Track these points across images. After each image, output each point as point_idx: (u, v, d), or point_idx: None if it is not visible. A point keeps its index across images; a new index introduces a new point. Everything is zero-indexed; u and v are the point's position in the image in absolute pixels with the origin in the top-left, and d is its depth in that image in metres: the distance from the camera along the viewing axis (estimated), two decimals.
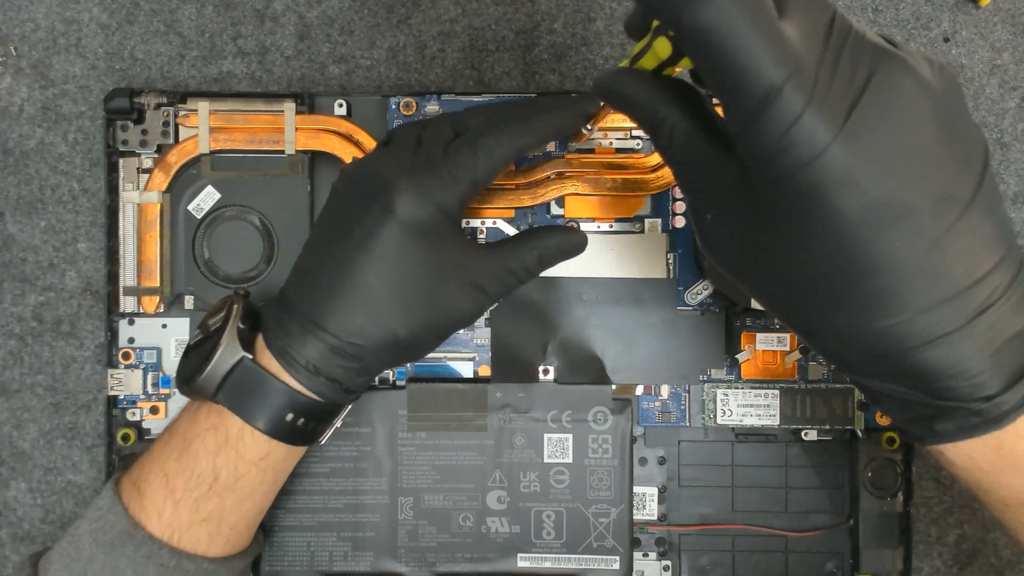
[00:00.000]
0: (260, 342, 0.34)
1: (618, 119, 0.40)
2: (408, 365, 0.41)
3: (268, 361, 0.33)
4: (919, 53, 0.25)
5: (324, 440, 0.36)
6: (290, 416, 0.33)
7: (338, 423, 0.36)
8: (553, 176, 0.41)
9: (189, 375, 0.33)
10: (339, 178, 0.35)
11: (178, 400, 0.41)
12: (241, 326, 0.34)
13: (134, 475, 0.34)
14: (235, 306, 0.34)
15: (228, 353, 0.33)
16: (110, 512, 0.33)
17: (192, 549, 0.33)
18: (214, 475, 0.33)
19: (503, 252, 0.35)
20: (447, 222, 0.33)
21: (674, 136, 0.27)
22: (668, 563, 0.42)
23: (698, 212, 0.28)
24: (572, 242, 0.36)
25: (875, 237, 0.24)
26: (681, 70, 0.28)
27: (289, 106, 0.41)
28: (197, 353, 0.34)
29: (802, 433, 0.41)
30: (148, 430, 0.41)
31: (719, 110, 0.26)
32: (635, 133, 0.41)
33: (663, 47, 0.28)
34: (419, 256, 0.33)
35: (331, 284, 0.33)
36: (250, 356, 0.33)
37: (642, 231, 0.41)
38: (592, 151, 0.41)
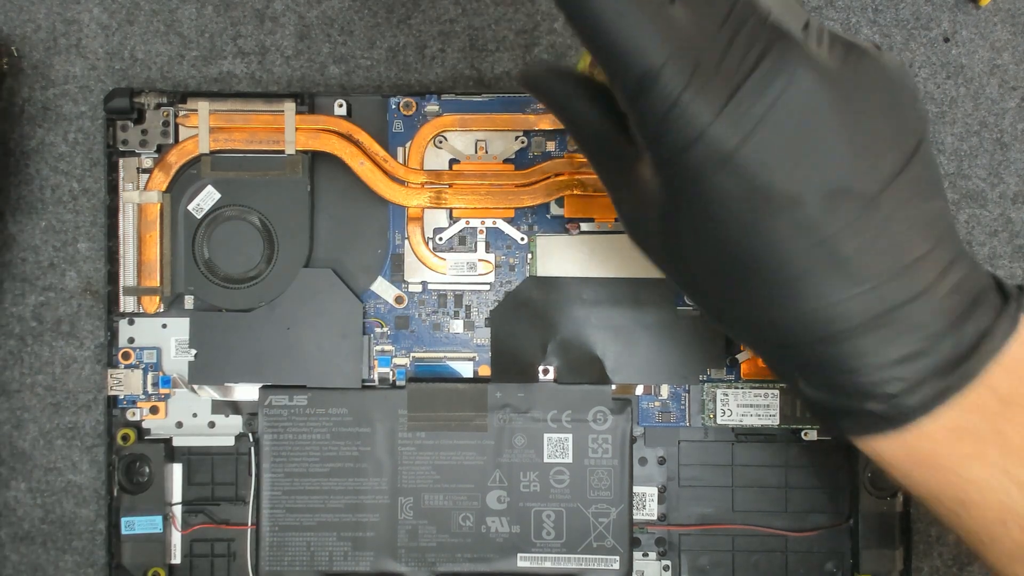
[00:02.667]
0: None
1: None
2: (408, 365, 0.41)
3: None
4: (844, 41, 0.23)
5: None
6: None
7: None
8: (553, 176, 0.41)
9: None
10: None
11: (178, 400, 0.41)
12: None
13: None
14: None
15: None
16: None
17: None
18: None
19: None
20: None
21: (585, 128, 0.28)
22: (668, 563, 0.42)
23: (618, 205, 0.28)
24: None
25: (759, 226, 0.23)
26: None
27: (289, 106, 0.41)
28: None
29: (802, 433, 0.41)
30: (148, 430, 0.41)
31: None
32: None
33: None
34: None
35: None
36: None
37: None
38: None
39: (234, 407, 0.41)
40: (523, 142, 0.41)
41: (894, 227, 0.23)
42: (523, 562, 0.40)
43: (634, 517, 0.41)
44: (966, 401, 0.24)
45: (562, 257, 0.41)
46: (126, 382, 0.41)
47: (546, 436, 0.40)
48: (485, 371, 0.41)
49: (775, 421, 0.41)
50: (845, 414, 0.26)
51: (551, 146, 0.41)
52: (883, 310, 0.23)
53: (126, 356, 0.41)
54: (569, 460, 0.40)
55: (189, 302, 0.41)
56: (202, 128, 0.41)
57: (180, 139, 0.41)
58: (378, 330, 0.42)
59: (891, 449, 0.26)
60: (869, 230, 0.23)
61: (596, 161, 0.28)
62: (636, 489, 0.41)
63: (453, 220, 0.42)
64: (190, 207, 0.41)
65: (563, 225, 0.41)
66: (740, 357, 0.41)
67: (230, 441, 0.41)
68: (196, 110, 0.41)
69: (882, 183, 0.23)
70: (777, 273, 0.23)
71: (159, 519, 0.41)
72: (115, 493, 0.41)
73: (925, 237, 0.24)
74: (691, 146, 0.23)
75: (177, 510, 0.41)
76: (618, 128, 0.27)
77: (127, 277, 0.41)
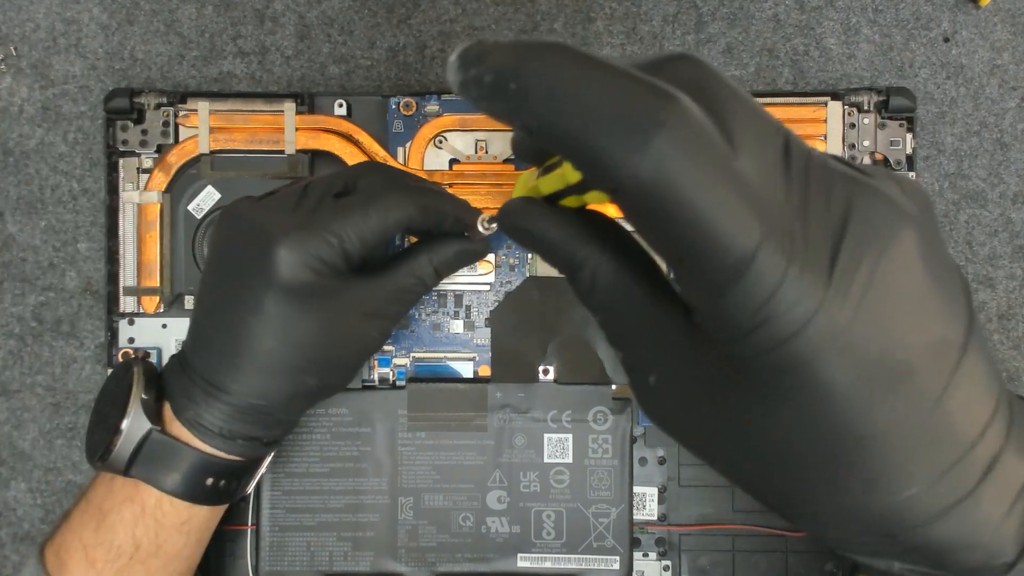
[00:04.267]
0: (168, 410, 0.34)
1: None
2: (408, 365, 0.41)
3: (179, 429, 0.33)
4: (886, 173, 0.21)
5: (250, 491, 0.36)
6: (210, 480, 0.33)
7: (262, 470, 0.37)
8: None
9: (98, 452, 0.33)
10: (220, 221, 0.34)
11: None
12: (144, 396, 0.33)
13: (56, 543, 0.34)
14: (135, 375, 0.34)
15: (135, 426, 0.33)
16: None
17: None
18: (134, 545, 0.33)
19: (397, 271, 0.35)
20: (335, 275, 0.33)
21: (597, 283, 0.23)
22: (668, 563, 0.42)
23: (635, 371, 0.23)
24: (470, 252, 0.36)
25: (874, 406, 0.20)
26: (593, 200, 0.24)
27: (289, 106, 0.41)
28: (103, 426, 0.33)
29: None
30: None
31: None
32: None
33: (573, 172, 0.23)
34: (312, 313, 0.32)
35: (228, 348, 0.32)
36: (158, 428, 0.33)
37: None
38: None
39: None
40: None
41: (981, 371, 0.21)
42: (523, 562, 0.40)
43: (634, 517, 0.41)
44: None
45: None
46: None
47: (546, 436, 0.40)
48: (485, 371, 0.41)
49: None
50: None
51: None
52: (984, 469, 0.21)
53: (126, 356, 0.41)
54: (569, 460, 0.40)
55: (189, 302, 0.41)
56: (202, 128, 0.41)
57: (180, 139, 0.41)
58: None
59: None
60: (966, 381, 0.20)
61: (609, 319, 0.23)
62: (636, 489, 0.41)
63: None
64: (190, 207, 0.41)
65: None
66: None
67: None
68: (196, 110, 0.41)
69: (967, 325, 0.21)
70: (890, 454, 0.20)
71: None
72: None
73: (997, 375, 0.21)
74: (800, 331, 0.19)
75: None
76: (641, 279, 0.23)
77: (127, 277, 0.41)
